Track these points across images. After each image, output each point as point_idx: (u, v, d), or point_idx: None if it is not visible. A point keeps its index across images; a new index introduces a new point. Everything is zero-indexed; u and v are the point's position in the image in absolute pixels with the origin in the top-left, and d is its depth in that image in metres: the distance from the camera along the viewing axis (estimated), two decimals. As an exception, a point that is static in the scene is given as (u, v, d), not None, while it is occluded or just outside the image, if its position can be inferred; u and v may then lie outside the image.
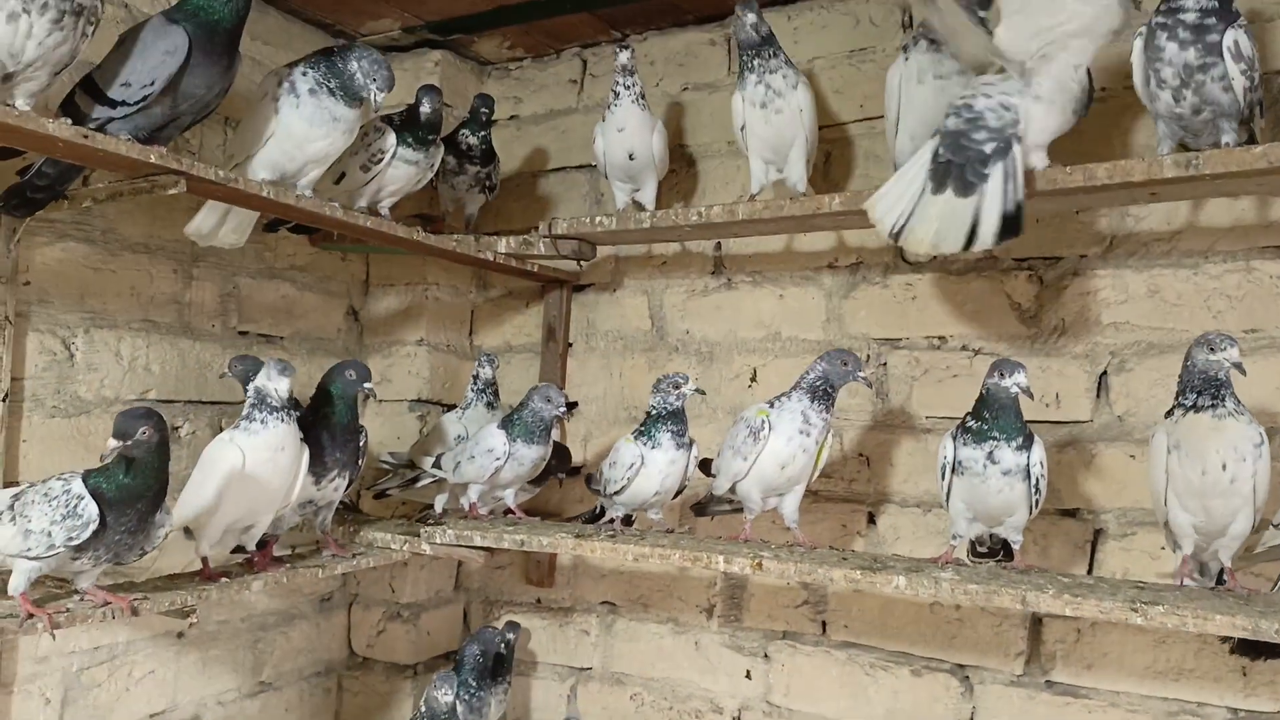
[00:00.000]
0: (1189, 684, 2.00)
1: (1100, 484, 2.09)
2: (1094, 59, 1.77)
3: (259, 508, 1.88)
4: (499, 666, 2.50)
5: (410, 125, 2.23)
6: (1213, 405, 1.64)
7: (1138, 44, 1.70)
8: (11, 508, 1.56)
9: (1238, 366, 1.64)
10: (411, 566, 2.66)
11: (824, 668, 2.36)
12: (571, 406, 2.66)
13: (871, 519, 2.33)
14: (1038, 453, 1.78)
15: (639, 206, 2.38)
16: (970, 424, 1.81)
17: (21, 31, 1.48)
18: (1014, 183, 1.69)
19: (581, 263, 2.52)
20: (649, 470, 2.08)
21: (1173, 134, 1.73)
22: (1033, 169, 1.74)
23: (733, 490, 2.03)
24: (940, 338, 2.27)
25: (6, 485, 1.90)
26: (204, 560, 1.89)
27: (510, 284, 2.82)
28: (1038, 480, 1.78)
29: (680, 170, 2.58)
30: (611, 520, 2.21)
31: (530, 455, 2.18)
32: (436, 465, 2.34)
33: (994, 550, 1.94)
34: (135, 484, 1.54)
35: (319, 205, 2.02)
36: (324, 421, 1.95)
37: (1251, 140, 1.72)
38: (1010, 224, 1.68)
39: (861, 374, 1.93)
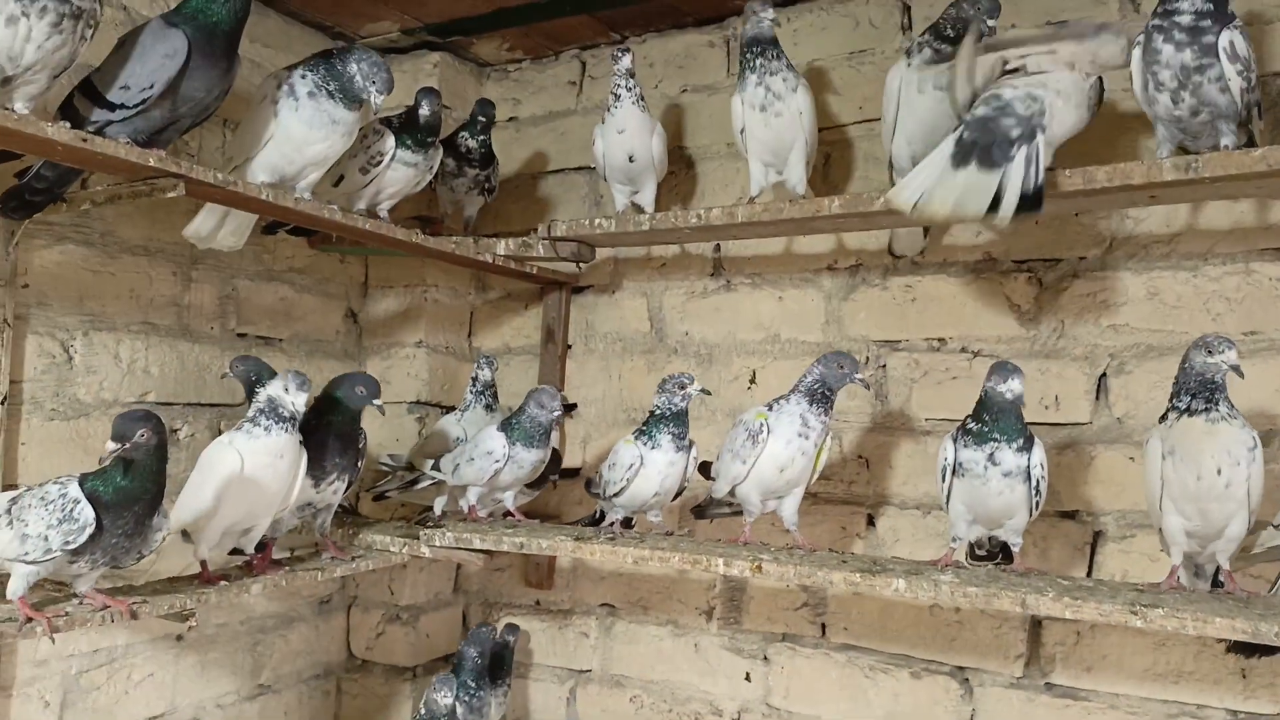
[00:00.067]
0: (1188, 686, 2.00)
1: (1099, 486, 2.09)
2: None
3: (257, 511, 1.88)
4: (499, 669, 2.50)
5: (409, 127, 2.23)
6: (1206, 409, 1.64)
7: (1136, 51, 1.70)
8: (8, 512, 1.56)
9: (1235, 369, 1.64)
10: (411, 569, 2.66)
11: (824, 670, 2.36)
12: (570, 408, 2.66)
13: (871, 521, 2.33)
14: (1038, 454, 1.79)
15: (638, 209, 2.38)
16: (971, 426, 1.81)
17: (20, 35, 1.48)
18: (1036, 166, 1.68)
19: (580, 265, 2.52)
20: (648, 471, 2.08)
21: (1172, 137, 1.73)
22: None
23: (732, 493, 2.03)
24: (940, 340, 2.27)
25: (5, 488, 1.90)
26: (203, 563, 1.89)
27: (509, 286, 2.82)
28: (1038, 482, 1.78)
29: (679, 172, 2.58)
30: (611, 523, 2.21)
31: (529, 458, 2.18)
32: (435, 467, 2.33)
33: (993, 553, 1.94)
34: (133, 487, 1.53)
35: (318, 208, 2.02)
36: (325, 427, 1.95)
37: (1250, 142, 1.72)
38: (1031, 200, 1.68)
39: (858, 376, 1.93)
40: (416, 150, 2.23)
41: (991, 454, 1.78)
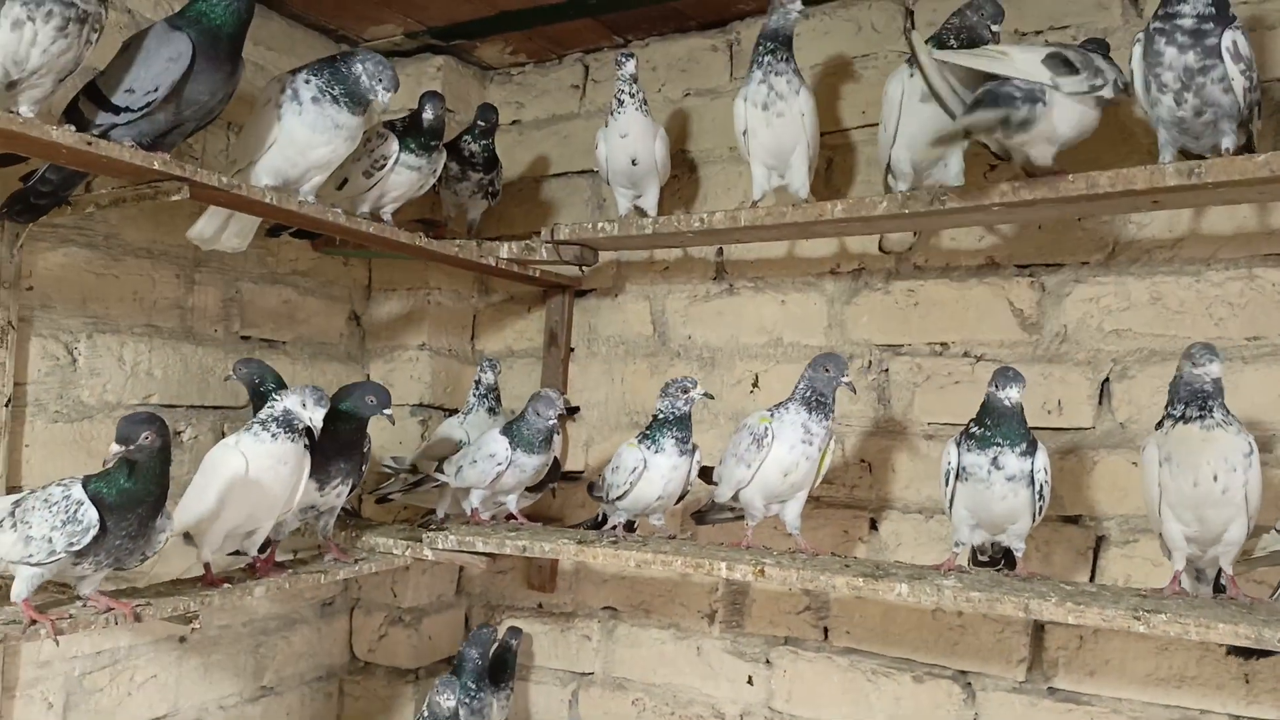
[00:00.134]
0: (1191, 691, 1.99)
1: (1102, 491, 2.09)
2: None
3: (260, 513, 1.88)
4: (501, 671, 2.50)
5: (413, 131, 2.23)
6: (1200, 416, 1.65)
7: (1136, 51, 1.70)
8: (12, 514, 1.56)
9: (1215, 383, 1.64)
10: (413, 571, 2.66)
11: (826, 674, 2.36)
12: (573, 411, 2.67)
13: (873, 525, 2.33)
14: (1041, 459, 1.79)
15: (641, 212, 2.38)
16: (974, 430, 1.82)
17: (26, 39, 1.49)
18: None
19: (583, 268, 2.52)
20: (651, 475, 2.08)
21: (1174, 141, 1.73)
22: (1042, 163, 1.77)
23: (735, 497, 2.03)
24: (942, 344, 2.27)
25: (9, 491, 1.90)
26: (206, 565, 1.90)
27: (512, 289, 2.82)
28: (1042, 486, 1.78)
29: (682, 176, 2.58)
30: (614, 526, 2.21)
31: (532, 462, 2.18)
32: (439, 470, 2.34)
33: (995, 560, 1.94)
34: (136, 489, 1.54)
35: (322, 211, 2.03)
36: (331, 432, 1.95)
37: (1249, 142, 1.72)
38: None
39: (845, 378, 1.93)
40: (420, 154, 2.23)
41: (995, 458, 1.78)
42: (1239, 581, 1.73)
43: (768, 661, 2.44)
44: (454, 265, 2.50)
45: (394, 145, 2.19)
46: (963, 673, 2.22)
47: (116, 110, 1.68)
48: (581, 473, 2.65)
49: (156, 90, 1.67)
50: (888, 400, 2.32)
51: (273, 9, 2.47)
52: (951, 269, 2.27)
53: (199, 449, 2.23)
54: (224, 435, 2.34)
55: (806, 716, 2.38)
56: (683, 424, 2.09)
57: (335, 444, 1.97)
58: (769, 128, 2.09)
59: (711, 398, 2.15)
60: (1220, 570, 1.73)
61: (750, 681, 2.46)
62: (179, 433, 2.28)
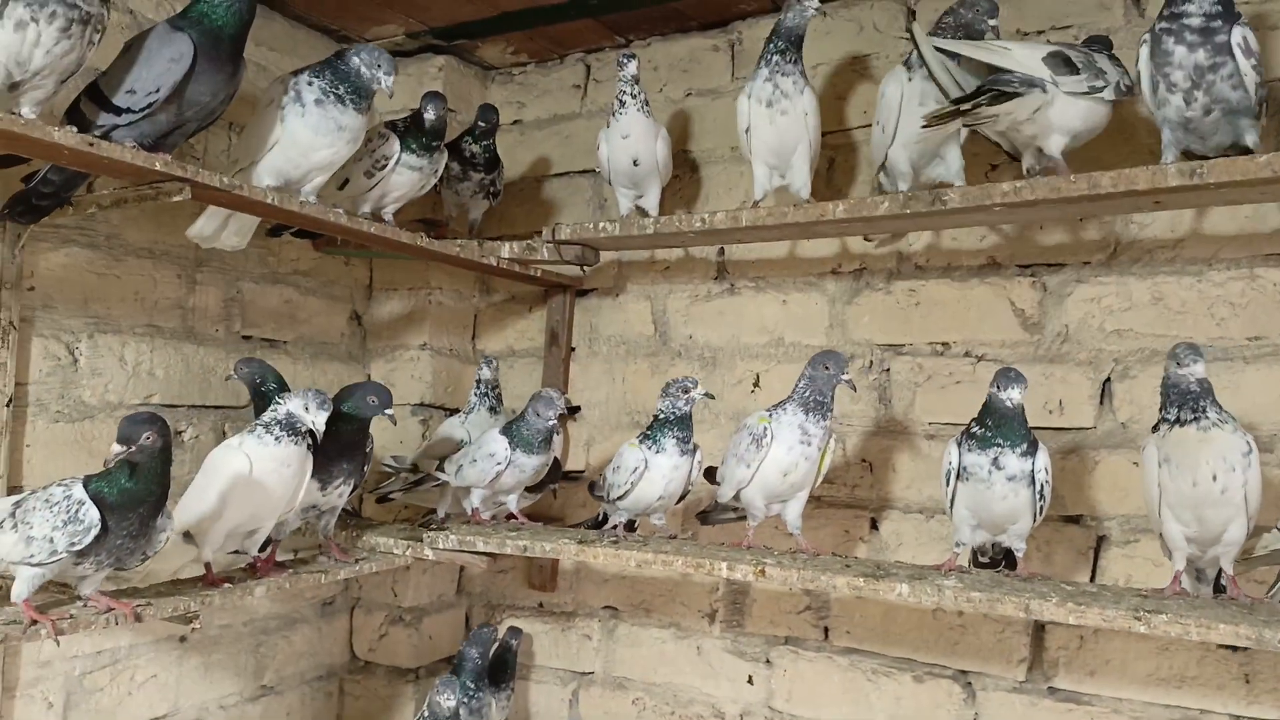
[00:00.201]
0: (1192, 691, 1.99)
1: (1103, 491, 2.09)
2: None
3: (262, 514, 1.88)
4: (501, 672, 2.50)
5: (414, 131, 2.23)
6: (1195, 419, 1.65)
7: (1143, 51, 1.70)
8: (13, 515, 1.56)
9: (1200, 383, 1.64)
10: (414, 571, 2.66)
11: (826, 673, 2.36)
12: (574, 410, 2.67)
13: (874, 525, 2.33)
14: (1042, 459, 1.79)
15: (642, 212, 2.38)
16: (975, 430, 1.82)
17: (29, 40, 1.49)
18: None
19: (585, 268, 2.52)
20: (652, 475, 2.08)
21: (1178, 141, 1.73)
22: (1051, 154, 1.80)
23: (737, 497, 2.03)
24: (943, 344, 2.27)
25: (10, 491, 1.90)
26: (207, 565, 1.90)
27: (513, 288, 2.82)
28: (1042, 486, 1.78)
29: (683, 176, 2.58)
30: (615, 526, 2.21)
31: (531, 462, 2.18)
32: (441, 469, 2.34)
33: (996, 561, 1.94)
34: (138, 489, 1.54)
35: (323, 211, 2.03)
36: (334, 433, 1.94)
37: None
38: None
39: (845, 376, 1.93)
40: (421, 154, 2.23)
41: (996, 458, 1.78)
42: (1240, 581, 1.73)
43: (768, 661, 2.44)
44: (455, 265, 2.50)
45: (395, 145, 2.19)
46: (963, 672, 2.22)
47: (118, 111, 1.68)
48: (582, 472, 2.65)
49: (158, 91, 1.67)
50: (889, 400, 2.32)
51: (274, 10, 2.47)
52: (953, 269, 2.27)
53: (200, 449, 2.24)
54: (225, 435, 2.34)
55: (807, 716, 2.38)
56: (684, 424, 2.09)
57: (338, 444, 1.97)
58: (772, 125, 2.09)
59: (712, 397, 2.15)
60: (1221, 570, 1.73)
61: (750, 681, 2.46)
62: (180, 432, 2.28)
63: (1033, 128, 1.79)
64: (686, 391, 2.08)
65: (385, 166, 2.19)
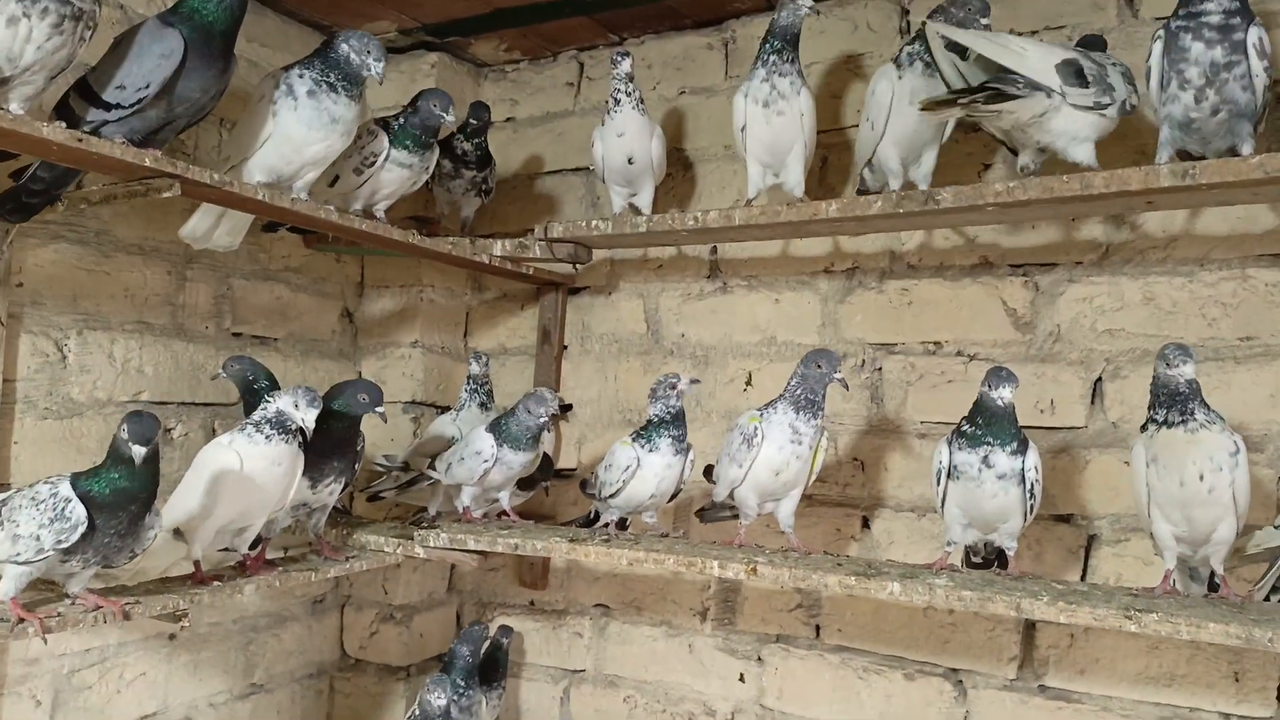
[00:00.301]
0: (1181, 689, 2.00)
1: (1094, 490, 2.10)
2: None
3: (252, 511, 1.88)
4: (493, 670, 2.50)
5: (409, 127, 2.21)
6: (1183, 420, 1.66)
7: (1156, 48, 1.70)
8: (-1, 512, 1.55)
9: (1189, 383, 1.65)
10: (404, 568, 2.65)
11: (817, 671, 2.36)
12: (566, 409, 2.66)
13: (866, 523, 2.33)
14: (1032, 458, 1.79)
15: (636, 210, 2.37)
16: (965, 429, 1.82)
17: (20, 36, 1.48)
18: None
19: (577, 266, 2.52)
20: (644, 474, 2.08)
21: (1176, 141, 1.73)
22: (1078, 162, 1.79)
23: (731, 496, 2.03)
24: (935, 343, 2.27)
25: (-2, 488, 1.90)
26: (196, 563, 1.89)
27: (505, 286, 2.82)
28: (1032, 485, 1.79)
29: (677, 174, 2.58)
30: (606, 524, 2.21)
31: (518, 460, 2.17)
32: (432, 466, 2.33)
33: (988, 561, 1.94)
34: (132, 487, 1.54)
35: (314, 208, 2.02)
36: (325, 431, 1.94)
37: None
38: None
39: (838, 375, 1.93)
40: (413, 151, 2.22)
41: (985, 457, 1.79)
42: (1232, 581, 1.73)
43: (759, 659, 2.44)
44: (447, 262, 2.49)
45: (384, 142, 2.18)
46: (954, 670, 2.22)
47: (108, 107, 1.67)
48: (574, 470, 2.65)
49: (148, 87, 1.66)
50: (881, 399, 2.32)
51: (266, 5, 2.45)
52: (945, 268, 2.27)
53: (189, 446, 2.23)
54: (215, 432, 2.34)
55: (798, 714, 2.38)
56: (678, 421, 2.09)
57: (328, 442, 1.96)
58: (768, 125, 2.08)
59: (698, 382, 2.15)
60: (1213, 572, 1.73)
61: (742, 679, 2.46)
62: (169, 430, 2.27)
63: (1044, 135, 1.79)
64: (674, 387, 2.08)
65: (374, 163, 2.17)
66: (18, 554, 1.51)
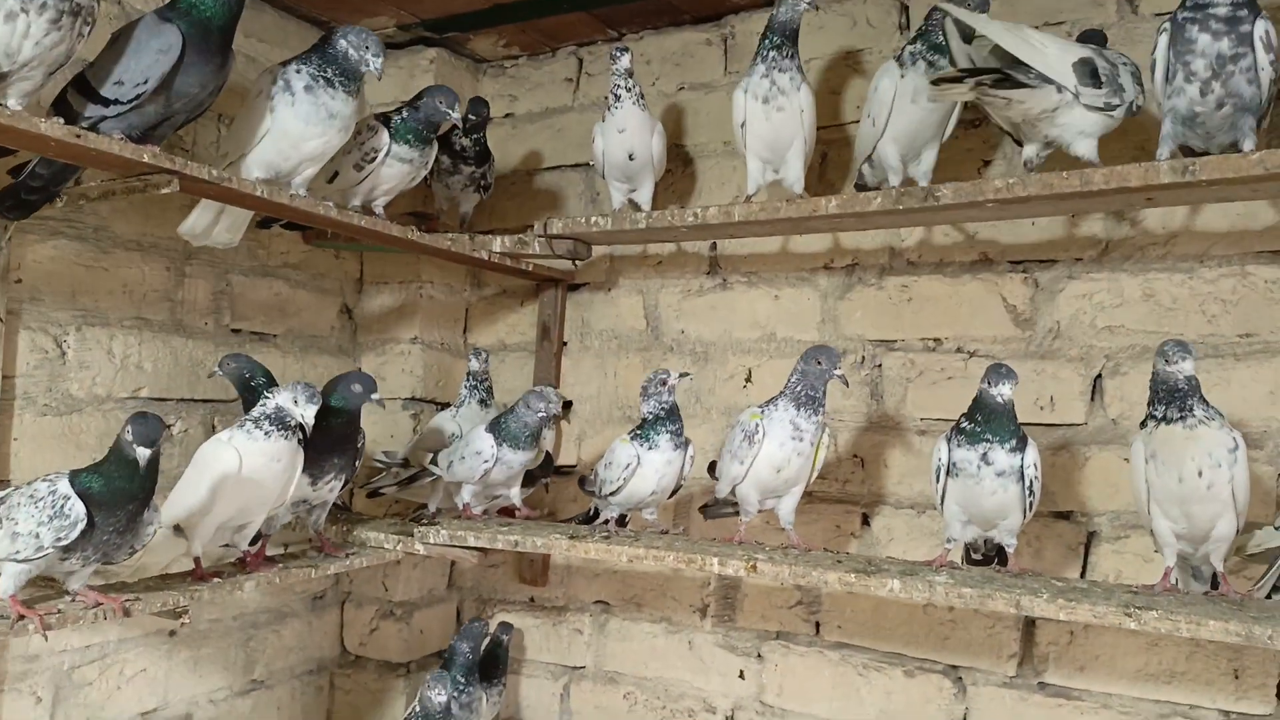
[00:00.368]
0: (1181, 686, 2.00)
1: (1094, 487, 2.10)
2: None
3: (252, 508, 1.88)
4: (493, 667, 2.50)
5: (410, 123, 2.20)
6: (1182, 417, 1.66)
7: (1162, 40, 1.69)
8: (-2, 510, 1.55)
9: (1189, 380, 1.65)
10: (404, 565, 2.65)
11: (817, 668, 2.36)
12: (565, 406, 2.66)
13: (866, 520, 2.33)
14: (1031, 455, 1.79)
15: (635, 206, 2.37)
16: (965, 426, 1.82)
17: (19, 31, 1.47)
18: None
19: (576, 262, 2.51)
20: (645, 471, 2.08)
21: (1178, 136, 1.72)
22: (1080, 156, 1.79)
23: (733, 493, 2.03)
24: (935, 339, 2.27)
25: (-2, 485, 1.89)
26: (196, 560, 1.89)
27: (505, 282, 2.81)
28: (1031, 483, 1.79)
29: (676, 170, 2.57)
30: (605, 521, 2.21)
31: (519, 458, 2.17)
32: (434, 462, 2.33)
33: (989, 558, 1.94)
34: (131, 486, 1.53)
35: (313, 204, 2.01)
36: (325, 428, 1.94)
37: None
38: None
39: (838, 371, 1.92)
40: (413, 146, 2.21)
41: (984, 454, 1.79)
42: (1232, 579, 1.73)
43: (759, 656, 2.44)
44: (446, 259, 2.49)
45: (384, 137, 2.18)
46: (953, 667, 2.22)
47: (106, 102, 1.67)
48: (574, 467, 2.64)
49: (146, 83, 1.66)
50: (880, 396, 2.32)
51: (264, 1, 2.45)
52: (945, 265, 2.27)
53: (189, 442, 2.23)
54: (214, 429, 2.33)
55: (798, 710, 2.39)
56: (674, 416, 2.09)
57: (329, 439, 1.96)
58: (767, 121, 2.08)
59: (688, 375, 2.15)
60: (1214, 570, 1.73)
61: (742, 675, 2.46)
62: (169, 426, 2.27)
63: (1052, 129, 1.79)
64: (664, 383, 2.08)
65: (375, 159, 2.17)
66: (17, 551, 1.51)
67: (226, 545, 1.98)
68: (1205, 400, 1.67)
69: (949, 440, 1.84)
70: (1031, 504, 1.81)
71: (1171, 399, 1.67)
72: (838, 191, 2.33)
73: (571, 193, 2.76)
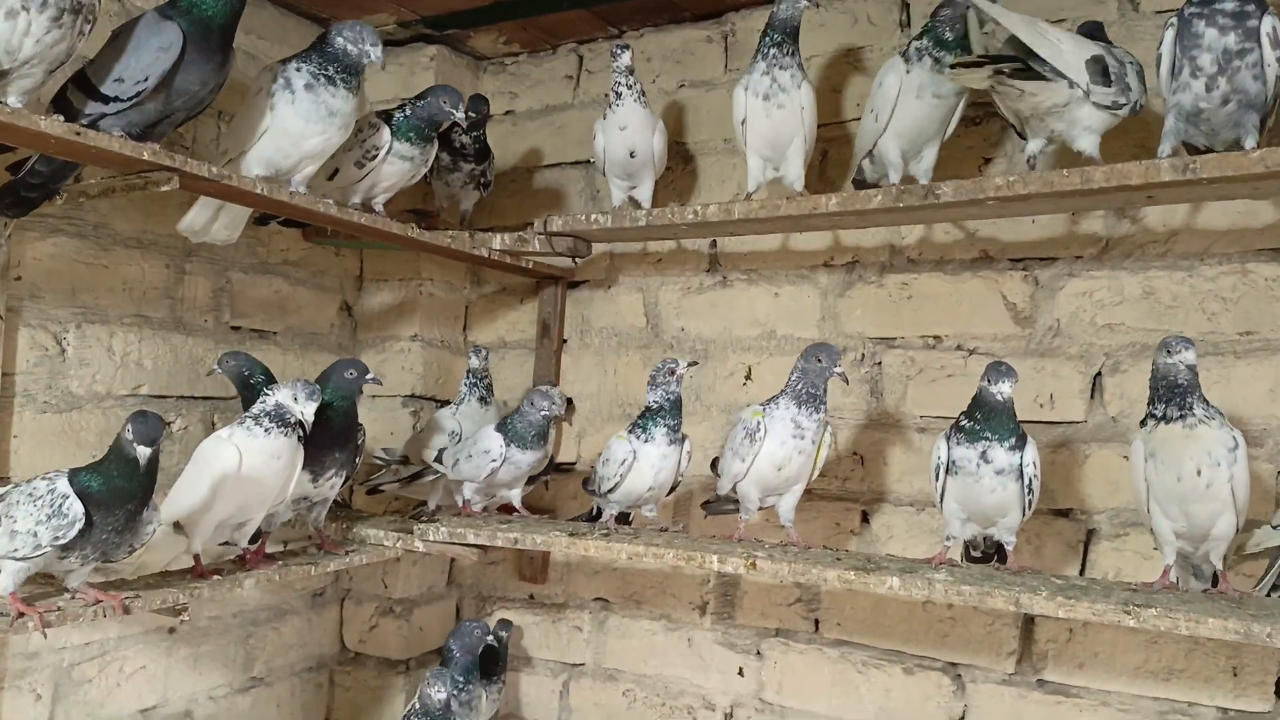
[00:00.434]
0: (1179, 684, 2.00)
1: (1093, 484, 2.10)
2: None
3: (252, 506, 1.87)
4: (492, 664, 2.50)
5: (412, 120, 2.19)
6: (1181, 416, 1.66)
7: (1168, 35, 1.69)
8: (-4, 508, 1.55)
9: (1190, 369, 1.65)
10: (404, 562, 2.65)
11: (816, 665, 2.37)
12: (570, 406, 2.66)
13: (865, 518, 2.34)
14: (1031, 453, 1.79)
15: (635, 204, 2.37)
16: (964, 424, 1.82)
17: (20, 29, 1.47)
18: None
19: (576, 259, 2.52)
20: (641, 466, 2.08)
21: (1180, 133, 1.72)
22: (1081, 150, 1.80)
23: (734, 490, 2.03)
24: (935, 337, 2.27)
25: (-2, 482, 1.89)
26: (196, 557, 1.89)
27: (505, 280, 2.81)
28: (1031, 481, 1.79)
29: (676, 167, 2.57)
30: (606, 519, 2.21)
31: (526, 459, 2.18)
32: (438, 460, 2.33)
33: (988, 555, 1.94)
34: (131, 485, 1.53)
35: (313, 202, 2.01)
36: (324, 423, 1.93)
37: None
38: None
39: (837, 369, 1.92)
40: (414, 144, 2.21)
41: (984, 452, 1.79)
42: (1231, 577, 1.73)
43: (758, 653, 2.44)
44: (446, 256, 2.49)
45: (386, 135, 2.17)
46: (953, 664, 2.23)
47: (106, 100, 1.67)
48: (574, 464, 2.65)
49: (146, 80, 1.65)
50: (880, 393, 2.32)
51: (265, -2, 2.45)
52: (945, 262, 2.26)
53: (189, 440, 2.23)
54: (214, 426, 2.33)
55: (797, 708, 2.39)
56: (675, 411, 2.09)
57: (328, 434, 1.96)
58: (768, 119, 2.08)
59: (696, 364, 2.15)
60: (1214, 569, 1.73)
61: (741, 673, 2.46)
62: (168, 424, 2.26)
63: (1060, 123, 1.80)
64: (673, 373, 2.08)
65: (376, 156, 2.16)
66: (15, 550, 1.51)
67: (226, 543, 1.98)
68: (1205, 399, 1.67)
69: (948, 438, 1.84)
70: (1031, 502, 1.81)
71: (1171, 396, 1.67)
72: (838, 189, 2.32)
73: (572, 190, 2.76)
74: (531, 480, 2.38)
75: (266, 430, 1.80)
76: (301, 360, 2.61)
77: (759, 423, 1.94)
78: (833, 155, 2.39)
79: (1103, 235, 2.11)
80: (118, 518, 1.54)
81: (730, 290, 2.51)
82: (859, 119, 2.35)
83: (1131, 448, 1.75)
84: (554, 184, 2.79)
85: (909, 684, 2.26)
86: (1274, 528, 1.78)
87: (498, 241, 2.40)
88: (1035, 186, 1.77)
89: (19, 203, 1.82)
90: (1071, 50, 1.74)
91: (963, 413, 1.84)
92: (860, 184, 2.15)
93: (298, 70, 1.91)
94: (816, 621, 2.38)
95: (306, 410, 1.81)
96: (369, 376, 2.00)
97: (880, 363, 2.33)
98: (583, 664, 2.67)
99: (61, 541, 1.50)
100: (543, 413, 2.16)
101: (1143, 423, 1.73)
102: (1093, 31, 1.90)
